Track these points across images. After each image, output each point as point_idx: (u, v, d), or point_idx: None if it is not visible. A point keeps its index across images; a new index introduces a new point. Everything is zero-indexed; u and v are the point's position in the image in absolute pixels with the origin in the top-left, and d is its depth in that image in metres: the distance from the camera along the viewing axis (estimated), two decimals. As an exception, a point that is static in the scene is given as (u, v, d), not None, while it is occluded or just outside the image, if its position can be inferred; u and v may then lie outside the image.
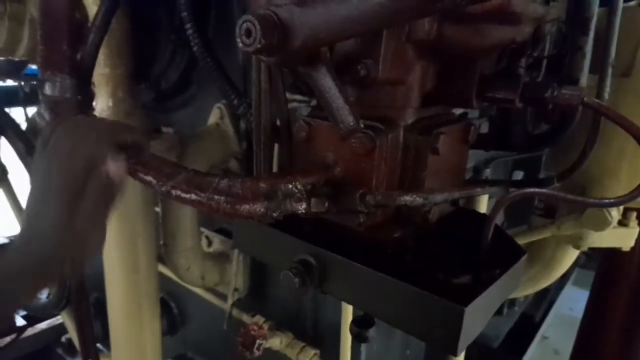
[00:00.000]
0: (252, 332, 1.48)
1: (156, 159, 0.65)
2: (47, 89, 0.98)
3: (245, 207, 0.60)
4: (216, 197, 0.60)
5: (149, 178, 0.62)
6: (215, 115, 1.54)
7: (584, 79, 1.00)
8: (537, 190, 0.75)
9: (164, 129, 1.66)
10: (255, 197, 0.61)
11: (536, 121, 1.16)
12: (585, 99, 0.69)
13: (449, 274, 0.71)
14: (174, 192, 0.61)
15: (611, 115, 0.68)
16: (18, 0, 1.39)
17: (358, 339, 0.86)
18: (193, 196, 0.61)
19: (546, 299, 3.56)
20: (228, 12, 1.45)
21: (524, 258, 0.78)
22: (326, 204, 0.66)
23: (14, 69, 2.10)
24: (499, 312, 3.01)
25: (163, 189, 0.61)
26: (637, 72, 1.23)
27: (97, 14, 1.01)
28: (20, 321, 2.60)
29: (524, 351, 2.98)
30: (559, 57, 1.03)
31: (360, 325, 0.85)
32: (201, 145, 1.50)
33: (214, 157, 1.50)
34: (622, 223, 1.45)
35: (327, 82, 0.60)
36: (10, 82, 2.44)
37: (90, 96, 1.14)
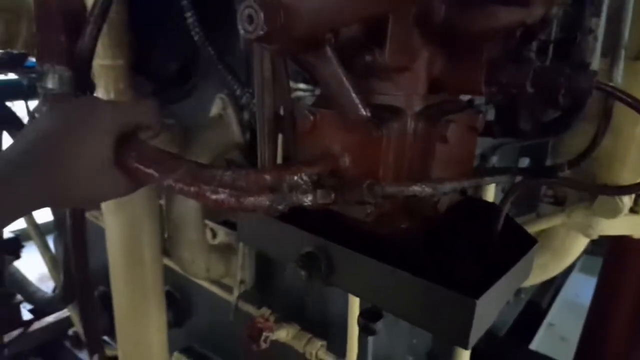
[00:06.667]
0: (259, 325, 1.47)
1: (157, 151, 0.63)
2: (45, 81, 0.96)
3: (250, 200, 0.58)
4: (220, 190, 0.58)
5: (150, 171, 0.60)
6: (217, 106, 1.52)
7: (596, 62, 0.97)
8: (553, 179, 0.73)
9: (166, 121, 1.64)
10: (260, 189, 0.59)
11: (544, 108, 1.13)
12: (599, 83, 0.67)
13: (459, 265, 0.69)
14: (176, 185, 0.59)
15: (626, 100, 0.66)
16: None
17: (366, 331, 0.85)
18: (196, 189, 0.59)
19: (552, 286, 3.54)
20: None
21: (535, 247, 0.77)
22: (333, 195, 0.65)
23: (15, 62, 2.08)
24: (505, 300, 3.00)
25: (165, 182, 0.59)
26: (649, 55, 1.20)
27: (94, 4, 0.98)
28: (27, 315, 2.62)
29: (530, 339, 2.97)
30: (566, 41, 1.00)
31: (368, 318, 0.84)
32: (204, 136, 1.48)
33: (217, 149, 1.49)
34: (634, 210, 1.42)
35: (332, 68, 0.58)
36: (12, 76, 2.42)
37: (91, 88, 1.12)
